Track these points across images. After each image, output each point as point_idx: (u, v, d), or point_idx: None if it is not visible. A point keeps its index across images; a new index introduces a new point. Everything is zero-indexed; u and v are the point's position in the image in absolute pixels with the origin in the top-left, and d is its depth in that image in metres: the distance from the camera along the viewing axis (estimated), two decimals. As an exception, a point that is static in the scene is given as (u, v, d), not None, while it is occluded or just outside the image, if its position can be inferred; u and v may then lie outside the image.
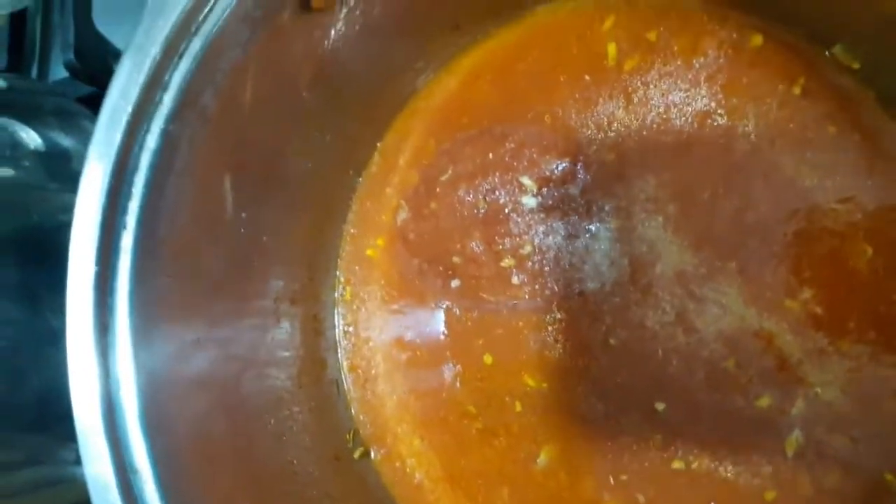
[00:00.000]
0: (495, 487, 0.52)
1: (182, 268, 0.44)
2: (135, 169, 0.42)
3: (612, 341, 0.51)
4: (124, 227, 0.42)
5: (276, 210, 0.52)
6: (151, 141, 0.42)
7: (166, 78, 0.41)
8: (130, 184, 0.42)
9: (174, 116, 0.42)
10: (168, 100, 0.41)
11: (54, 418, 0.53)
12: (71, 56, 0.68)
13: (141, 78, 0.40)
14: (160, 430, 0.41)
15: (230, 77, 0.44)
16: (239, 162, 0.48)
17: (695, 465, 0.49)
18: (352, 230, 0.58)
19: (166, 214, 0.43)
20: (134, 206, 0.42)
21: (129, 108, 0.41)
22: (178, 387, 0.43)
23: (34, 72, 0.75)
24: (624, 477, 0.50)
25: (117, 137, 0.41)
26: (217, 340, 0.47)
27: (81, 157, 0.41)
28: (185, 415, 0.44)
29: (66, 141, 0.65)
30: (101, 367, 0.40)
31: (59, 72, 0.73)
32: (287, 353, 0.54)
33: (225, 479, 0.45)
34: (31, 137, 0.64)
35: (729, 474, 0.48)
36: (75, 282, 0.41)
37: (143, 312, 0.42)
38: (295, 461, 0.50)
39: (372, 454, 0.55)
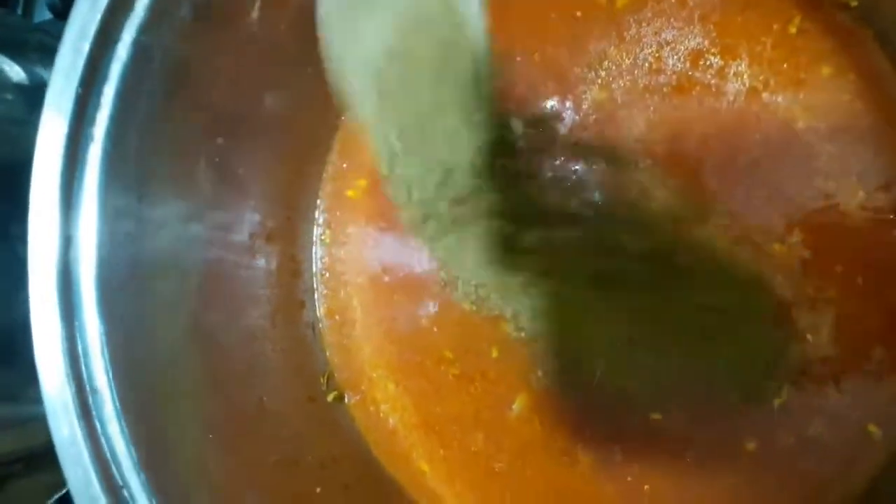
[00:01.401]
0: (470, 433, 0.51)
1: (151, 185, 0.43)
2: (104, 79, 0.40)
3: (595, 286, 0.49)
4: (92, 139, 0.40)
5: (253, 143, 0.51)
6: (123, 51, 0.40)
7: (139, -18, 0.40)
8: (99, 94, 0.40)
9: (147, 26, 0.40)
10: (141, 8, 0.40)
11: (22, 356, 0.51)
12: (54, -6, 0.67)
13: (112, -17, 0.39)
14: (122, 349, 0.40)
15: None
16: (215, 86, 0.47)
17: (674, 415, 0.47)
18: (332, 170, 0.56)
19: (135, 129, 0.41)
20: (102, 117, 0.40)
21: (99, 16, 0.39)
22: (144, 305, 0.42)
23: (19, 13, 0.73)
24: (599, 427, 0.49)
25: (86, 46, 0.40)
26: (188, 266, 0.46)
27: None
28: (150, 337, 0.42)
29: (49, 76, 0.64)
30: (62, 283, 0.39)
31: (43, 14, 0.72)
32: (262, 291, 0.52)
33: (189, 408, 0.44)
34: (14, 71, 0.63)
35: (708, 424, 0.47)
36: (39, 193, 0.40)
37: (110, 229, 0.41)
38: (265, 398, 0.49)
39: (346, 398, 0.54)
